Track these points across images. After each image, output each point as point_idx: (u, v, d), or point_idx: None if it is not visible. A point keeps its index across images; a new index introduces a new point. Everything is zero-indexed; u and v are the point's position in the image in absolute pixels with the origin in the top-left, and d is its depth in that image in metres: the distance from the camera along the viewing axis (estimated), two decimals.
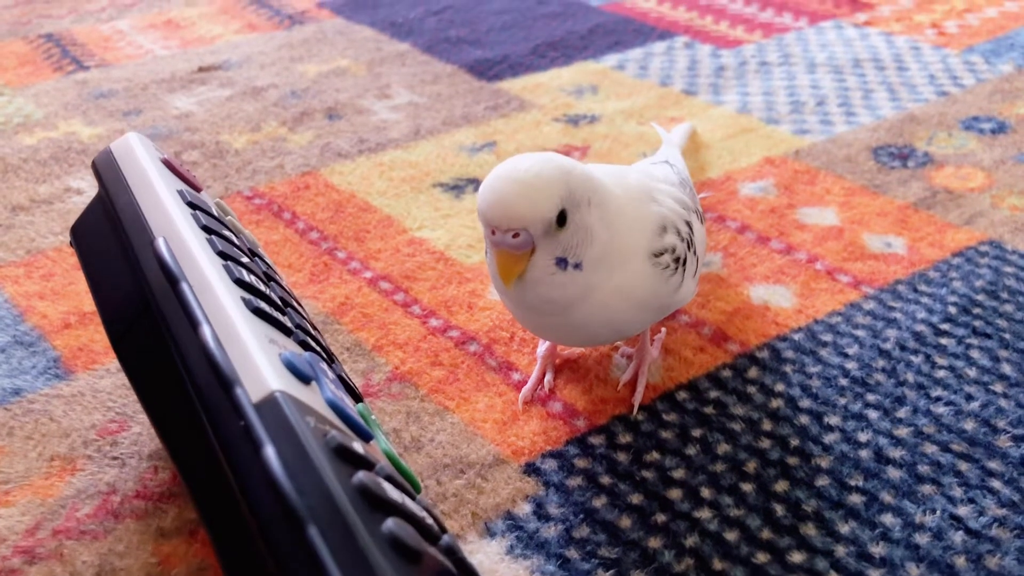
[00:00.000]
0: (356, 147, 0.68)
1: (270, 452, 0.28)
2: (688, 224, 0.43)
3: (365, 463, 0.30)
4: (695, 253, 0.45)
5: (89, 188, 0.64)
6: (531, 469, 0.41)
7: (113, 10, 0.96)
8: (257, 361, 0.31)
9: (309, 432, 0.29)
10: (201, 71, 0.81)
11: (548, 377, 0.46)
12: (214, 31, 0.90)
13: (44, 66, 0.83)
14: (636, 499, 0.40)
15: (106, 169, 0.42)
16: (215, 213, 0.42)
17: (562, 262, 0.38)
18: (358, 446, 0.30)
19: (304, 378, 0.32)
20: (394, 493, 0.30)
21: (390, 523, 0.27)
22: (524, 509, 0.40)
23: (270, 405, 0.29)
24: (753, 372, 0.47)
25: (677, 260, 0.42)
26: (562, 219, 0.37)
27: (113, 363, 0.48)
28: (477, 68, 0.81)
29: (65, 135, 0.71)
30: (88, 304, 0.52)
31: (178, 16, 0.94)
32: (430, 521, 0.30)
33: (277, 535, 0.27)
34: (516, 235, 0.37)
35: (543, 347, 0.47)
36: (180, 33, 0.90)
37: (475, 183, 0.63)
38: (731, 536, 0.38)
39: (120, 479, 0.41)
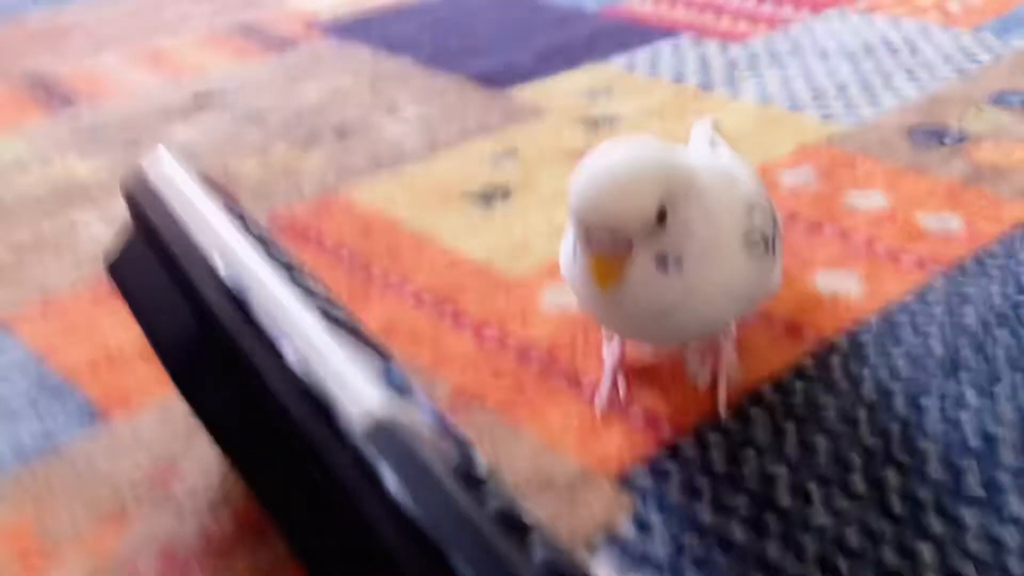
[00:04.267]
0: (373, 164, 0.65)
1: (392, 480, 0.25)
2: (769, 203, 0.41)
3: (481, 483, 0.27)
4: (780, 235, 0.42)
5: (96, 222, 0.60)
6: (624, 482, 0.39)
7: (94, 47, 0.92)
8: (354, 377, 0.28)
9: (429, 453, 0.26)
10: (197, 99, 0.78)
11: (621, 384, 0.43)
12: (203, 60, 0.87)
13: (31, 106, 0.80)
14: (743, 505, 0.37)
15: (139, 189, 0.39)
16: (262, 227, 0.39)
17: (663, 262, 0.35)
18: (479, 464, 0.27)
19: (403, 391, 0.29)
20: (526, 514, 0.27)
21: (539, 551, 0.24)
22: (625, 525, 0.37)
23: (380, 427, 0.26)
24: (836, 362, 0.44)
25: (766, 240, 0.39)
26: (662, 215, 0.35)
27: (152, 402, 0.45)
28: (483, 78, 0.78)
29: (63, 171, 0.67)
30: (115, 342, 0.49)
31: (163, 48, 0.91)
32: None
33: (414, 570, 0.24)
34: (614, 236, 0.34)
35: (610, 352, 0.44)
36: (168, 64, 0.87)
37: (503, 192, 0.61)
38: (852, 535, 0.36)
39: (179, 529, 0.38)
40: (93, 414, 0.44)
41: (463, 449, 0.29)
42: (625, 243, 0.34)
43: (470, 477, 0.26)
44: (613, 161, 0.35)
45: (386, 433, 0.26)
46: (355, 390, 0.27)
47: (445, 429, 0.30)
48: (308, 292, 0.32)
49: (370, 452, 0.26)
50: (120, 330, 0.50)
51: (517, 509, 0.26)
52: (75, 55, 0.91)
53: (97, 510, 0.39)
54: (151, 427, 0.43)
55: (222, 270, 0.32)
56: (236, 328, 0.31)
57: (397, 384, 0.29)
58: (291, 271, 0.33)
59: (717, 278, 0.37)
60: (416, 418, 0.28)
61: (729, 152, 0.51)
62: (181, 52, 0.90)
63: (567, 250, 0.40)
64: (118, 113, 0.77)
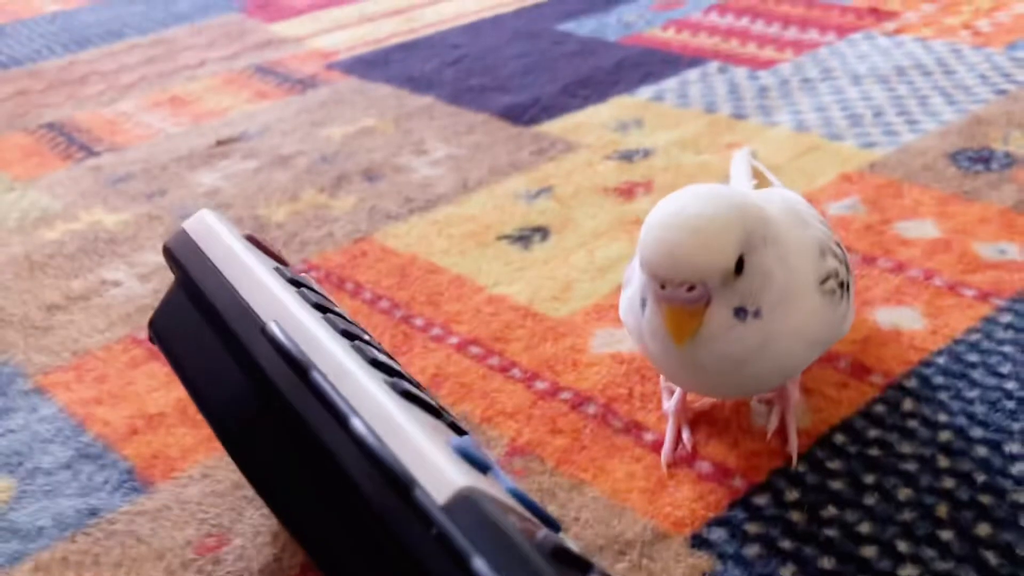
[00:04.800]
0: (405, 207, 0.64)
1: (483, 566, 0.23)
2: (838, 244, 0.39)
3: (583, 564, 0.25)
4: (852, 276, 0.40)
5: (127, 279, 0.59)
6: (699, 541, 0.37)
7: (113, 93, 0.92)
8: (432, 455, 0.26)
9: (518, 534, 0.24)
10: (220, 144, 0.77)
11: (686, 434, 0.42)
12: (224, 103, 0.86)
13: (51, 156, 0.79)
14: (828, 563, 0.35)
15: (185, 251, 0.38)
16: (317, 289, 0.38)
17: (741, 312, 0.34)
18: (571, 544, 0.25)
19: (482, 467, 0.27)
20: None
21: None
22: None
23: (463, 506, 0.24)
24: (909, 404, 0.42)
25: (841, 285, 0.37)
26: (740, 265, 0.33)
27: (196, 468, 0.43)
28: (510, 114, 0.77)
29: (89, 225, 0.66)
30: (153, 405, 0.47)
31: (182, 92, 0.90)
32: None
33: None
34: (691, 288, 0.33)
35: (671, 401, 0.43)
36: (188, 108, 0.86)
37: (541, 232, 0.59)
38: None
39: None
40: (136, 482, 0.43)
41: (553, 528, 0.28)
42: (703, 295, 0.33)
43: (566, 559, 0.25)
44: (688, 210, 0.33)
45: (470, 507, 0.24)
46: (434, 466, 0.26)
47: (532, 507, 0.28)
48: (374, 363, 0.30)
49: (453, 531, 0.24)
50: (158, 392, 0.48)
51: None
52: (93, 102, 0.90)
53: None
54: (197, 495, 0.42)
55: (284, 340, 0.30)
56: (299, 399, 0.30)
57: (477, 461, 0.27)
58: (352, 340, 0.32)
59: (795, 326, 0.35)
60: (500, 495, 0.27)
61: (781, 187, 0.50)
62: (200, 96, 0.89)
63: (631, 302, 0.38)
64: (141, 161, 0.75)
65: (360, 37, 1.01)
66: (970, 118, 0.68)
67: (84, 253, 0.62)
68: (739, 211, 0.33)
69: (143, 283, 0.58)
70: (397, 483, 0.26)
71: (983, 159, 0.62)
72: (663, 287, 0.33)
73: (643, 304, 0.36)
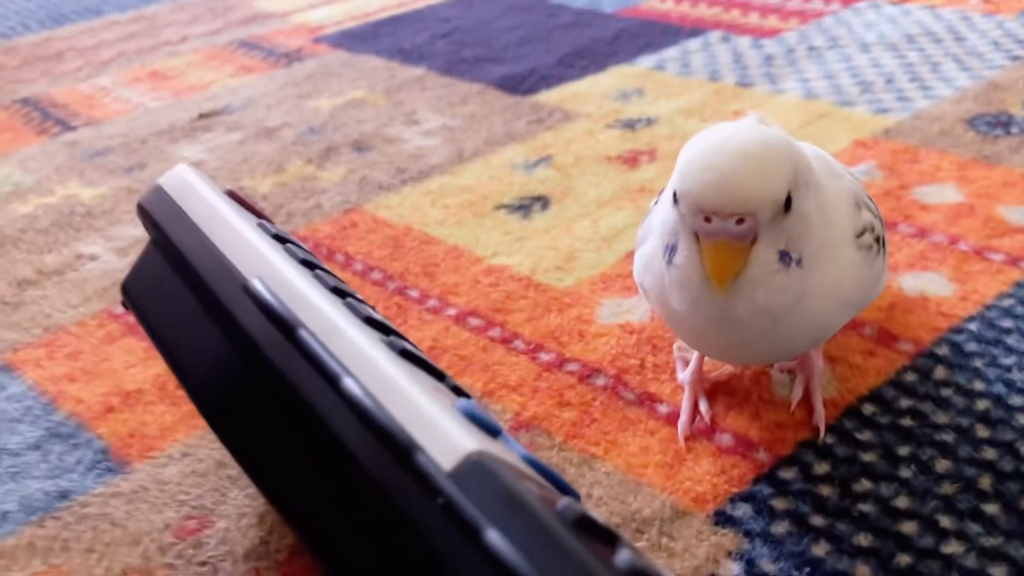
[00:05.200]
0: (397, 177, 0.61)
1: (497, 538, 0.20)
2: (869, 198, 0.36)
3: (611, 535, 0.22)
4: (884, 232, 0.37)
5: (104, 252, 0.55)
6: (723, 518, 0.34)
7: (90, 68, 0.88)
8: (435, 416, 0.23)
9: (538, 502, 0.21)
10: (202, 118, 0.74)
11: (703, 405, 0.39)
12: (207, 77, 0.83)
13: (25, 131, 0.75)
14: (865, 540, 0.32)
15: (160, 208, 0.34)
16: (304, 246, 0.35)
17: (785, 257, 0.31)
18: (596, 515, 0.22)
19: (492, 431, 0.24)
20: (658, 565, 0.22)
21: None
22: (733, 570, 0.32)
23: (473, 472, 0.22)
24: (941, 372, 0.40)
25: (877, 239, 0.35)
26: (789, 201, 0.30)
27: (176, 447, 0.40)
28: (506, 84, 0.74)
29: (64, 199, 0.62)
30: (130, 382, 0.44)
31: (163, 67, 0.87)
32: None
33: None
34: (740, 220, 0.30)
35: (687, 371, 0.40)
36: (169, 83, 0.82)
37: (541, 201, 0.56)
38: (998, 573, 0.31)
39: None
40: (111, 462, 0.39)
41: (574, 498, 0.25)
42: (751, 229, 0.30)
43: (592, 530, 0.22)
44: (737, 138, 0.30)
45: (481, 473, 0.21)
46: (438, 429, 0.23)
47: (550, 476, 0.25)
48: (369, 321, 0.27)
49: (463, 501, 0.21)
50: (136, 368, 0.45)
51: (654, 568, 0.21)
52: (71, 78, 0.86)
53: (119, 571, 0.34)
54: (177, 475, 0.38)
55: (266, 295, 0.27)
56: (285, 361, 0.26)
57: (486, 424, 0.24)
58: (344, 297, 0.29)
59: (832, 282, 0.32)
60: (514, 460, 0.24)
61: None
62: (182, 71, 0.85)
63: (648, 259, 0.35)
64: (119, 135, 0.72)
65: (348, 12, 0.98)
66: (986, 84, 0.65)
67: (59, 227, 0.59)
68: (787, 144, 0.31)
69: (121, 257, 0.55)
70: (397, 448, 0.23)
71: (1002, 123, 0.60)
72: (707, 220, 0.30)
73: (670, 252, 0.32)
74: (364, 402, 0.24)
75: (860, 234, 0.33)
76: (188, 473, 0.38)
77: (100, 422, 0.42)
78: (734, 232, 0.30)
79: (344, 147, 0.66)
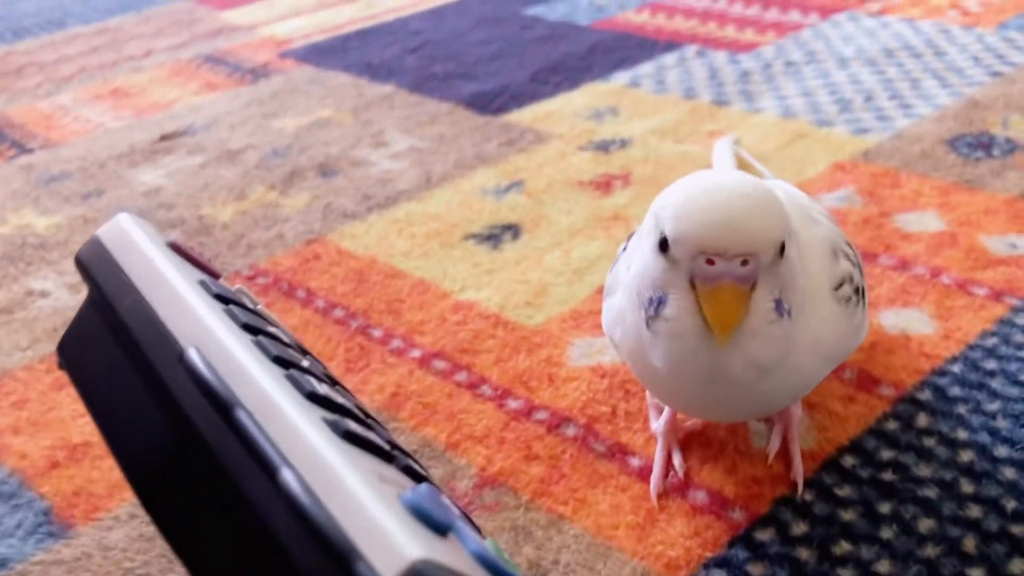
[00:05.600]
0: (363, 205, 0.59)
1: None
2: (848, 244, 0.35)
3: None
4: (864, 280, 0.36)
5: (56, 289, 0.53)
6: None
7: (50, 85, 0.85)
8: (378, 517, 0.21)
9: None
10: (164, 139, 0.71)
11: (677, 459, 0.37)
12: (169, 95, 0.80)
13: None
14: None
15: (97, 264, 0.32)
16: (250, 306, 0.33)
17: (780, 306, 0.29)
18: None
19: (440, 528, 0.22)
20: None
21: None
22: None
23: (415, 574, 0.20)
24: (923, 420, 0.38)
25: (857, 291, 0.33)
26: (782, 248, 0.29)
27: (123, 508, 0.38)
28: (476, 103, 0.72)
29: (17, 229, 0.60)
30: (78, 434, 0.42)
31: (125, 84, 0.84)
32: None
33: None
34: (745, 262, 0.28)
35: (660, 420, 0.38)
36: (131, 101, 0.80)
37: (512, 230, 0.54)
38: None
39: None
40: (53, 525, 0.37)
41: None
42: (755, 270, 0.28)
43: None
44: (729, 180, 0.29)
45: None
46: (381, 532, 0.21)
47: (496, 571, 0.23)
48: (312, 397, 0.25)
49: None
50: (84, 418, 0.43)
51: None
52: (29, 95, 0.84)
53: None
54: (123, 539, 0.36)
55: (203, 371, 0.25)
56: (220, 443, 0.24)
57: (435, 520, 0.22)
58: (288, 368, 0.27)
59: (811, 337, 0.30)
60: (463, 564, 0.22)
61: (772, 178, 0.45)
62: (145, 88, 0.83)
63: (618, 313, 0.33)
64: (78, 159, 0.69)
65: (316, 24, 0.96)
66: (966, 101, 0.64)
67: (9, 260, 0.57)
68: (772, 190, 0.29)
69: (73, 294, 0.53)
70: (336, 554, 0.21)
71: (983, 145, 0.58)
72: (709, 263, 0.28)
73: (655, 306, 0.30)
74: (302, 500, 0.22)
75: (839, 286, 0.32)
76: (135, 537, 0.36)
77: (44, 479, 0.40)
78: (739, 274, 0.28)
79: (309, 171, 0.64)
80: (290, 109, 0.75)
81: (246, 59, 0.87)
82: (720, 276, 0.28)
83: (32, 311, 0.51)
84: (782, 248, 0.28)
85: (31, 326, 0.50)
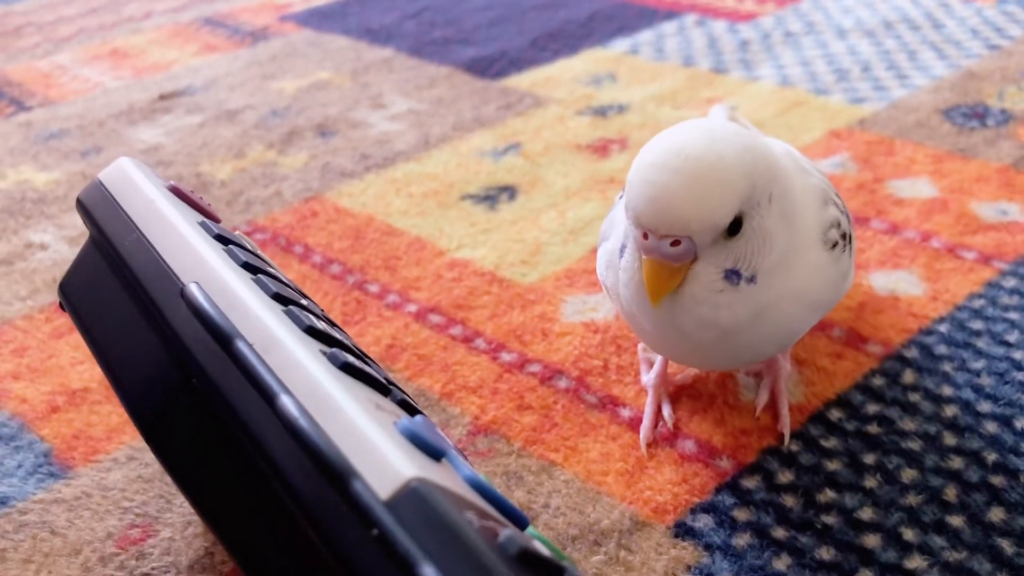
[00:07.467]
0: (360, 164, 0.59)
1: (431, 574, 0.19)
2: (836, 195, 0.35)
3: (554, 568, 0.21)
4: (851, 226, 0.36)
5: (55, 242, 0.54)
6: (683, 530, 0.33)
7: (49, 45, 0.85)
8: (374, 439, 0.22)
9: (476, 536, 0.20)
10: (163, 99, 0.71)
11: (667, 410, 0.38)
12: (169, 56, 0.81)
13: None
14: (827, 554, 0.32)
15: (98, 205, 0.33)
16: (250, 247, 0.33)
17: (733, 275, 0.29)
18: (539, 547, 0.21)
19: (435, 453, 0.23)
20: None
21: None
22: None
23: (410, 501, 0.20)
24: (909, 376, 0.39)
25: (844, 236, 0.33)
26: (736, 225, 0.29)
27: (121, 451, 0.38)
28: (475, 67, 0.72)
29: (16, 184, 0.60)
30: (77, 380, 0.42)
31: (124, 44, 0.84)
32: None
33: None
34: (676, 243, 0.28)
35: (651, 373, 0.39)
36: (130, 62, 0.80)
37: (508, 191, 0.55)
38: None
39: None
40: (53, 466, 0.38)
41: (520, 525, 0.24)
42: (687, 252, 0.29)
43: (533, 563, 0.20)
44: (688, 150, 0.29)
45: (418, 503, 0.20)
46: (377, 453, 0.22)
47: (495, 501, 0.24)
48: (310, 331, 0.26)
49: (398, 532, 0.20)
50: (83, 365, 0.43)
51: None
52: (27, 55, 0.84)
53: None
54: (122, 480, 0.37)
55: (204, 305, 0.26)
56: (221, 373, 0.25)
57: (429, 446, 0.23)
58: (287, 304, 0.27)
59: (796, 288, 0.31)
60: (456, 486, 0.22)
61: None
62: (144, 49, 0.83)
63: (609, 256, 0.34)
64: (76, 116, 0.70)
65: None
66: (963, 73, 0.64)
67: (8, 214, 0.57)
68: (748, 161, 0.29)
69: (72, 246, 0.53)
70: (332, 473, 0.21)
71: (978, 115, 0.59)
72: (646, 237, 0.29)
73: (621, 251, 0.31)
74: (300, 422, 0.22)
75: (827, 231, 0.32)
76: (133, 478, 0.37)
77: (44, 423, 0.40)
78: (667, 253, 0.28)
79: (307, 131, 0.64)
80: (289, 71, 0.75)
81: (246, 22, 0.87)
82: (651, 251, 0.29)
83: (32, 263, 0.52)
84: (738, 225, 0.29)
85: (31, 277, 0.51)
